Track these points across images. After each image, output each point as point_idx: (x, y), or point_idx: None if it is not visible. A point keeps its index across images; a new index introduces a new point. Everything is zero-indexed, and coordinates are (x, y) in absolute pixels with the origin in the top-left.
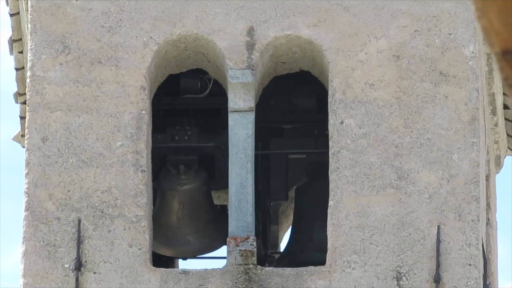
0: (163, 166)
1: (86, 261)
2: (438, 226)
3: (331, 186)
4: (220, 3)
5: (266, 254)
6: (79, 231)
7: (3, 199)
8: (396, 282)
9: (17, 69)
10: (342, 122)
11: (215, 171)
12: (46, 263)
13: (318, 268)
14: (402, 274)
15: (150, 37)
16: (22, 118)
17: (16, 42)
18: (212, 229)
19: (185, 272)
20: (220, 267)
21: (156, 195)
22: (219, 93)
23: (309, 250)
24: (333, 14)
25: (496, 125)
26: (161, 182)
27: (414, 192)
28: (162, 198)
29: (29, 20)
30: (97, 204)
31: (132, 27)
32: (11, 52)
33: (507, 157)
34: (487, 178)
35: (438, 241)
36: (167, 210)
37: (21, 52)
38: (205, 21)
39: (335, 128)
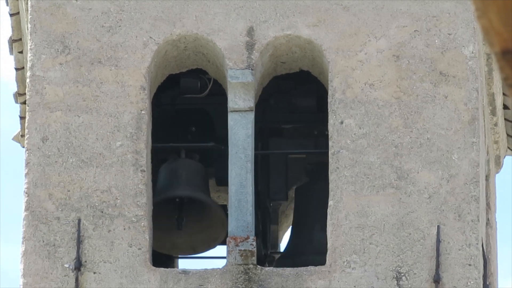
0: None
1: (86, 261)
2: (438, 226)
3: (331, 186)
4: (220, 3)
5: (266, 254)
6: (79, 231)
7: (3, 199)
8: (396, 282)
9: (17, 69)
10: (342, 122)
11: (215, 170)
12: (46, 263)
13: (318, 268)
14: (402, 274)
15: (150, 37)
16: (22, 118)
17: (16, 42)
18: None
19: (185, 272)
20: (220, 267)
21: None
22: (219, 93)
23: (309, 253)
24: (333, 14)
25: (496, 125)
26: (161, 167)
27: (414, 192)
28: (162, 171)
29: (29, 20)
30: (97, 204)
31: (132, 27)
32: (11, 52)
33: (507, 157)
34: (487, 178)
35: (438, 241)
36: (167, 173)
37: (21, 52)
38: (205, 21)
39: (335, 128)
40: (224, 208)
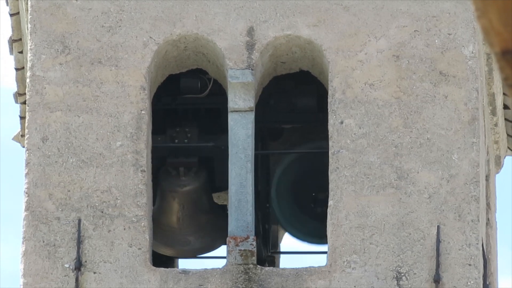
0: (162, 166)
1: (86, 261)
2: (438, 226)
3: (331, 186)
4: (220, 3)
5: (265, 254)
6: (79, 231)
7: (3, 199)
8: (396, 282)
9: (17, 69)
10: (342, 122)
11: (215, 172)
12: (46, 263)
13: (318, 268)
14: (402, 274)
15: (150, 37)
16: (22, 118)
17: (16, 42)
18: (212, 229)
19: (185, 272)
20: (220, 267)
21: (156, 195)
22: (219, 93)
23: None
24: (333, 14)
25: (496, 125)
26: (161, 183)
27: (414, 192)
28: (162, 198)
29: (29, 20)
30: (97, 204)
31: (132, 27)
32: (11, 52)
33: (507, 157)
34: (487, 178)
35: (438, 241)
36: (167, 211)
37: (21, 52)
38: (205, 21)
39: (335, 128)
40: (224, 208)
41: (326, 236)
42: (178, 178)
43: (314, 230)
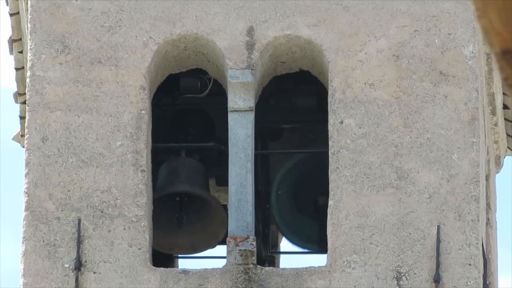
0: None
1: (86, 261)
2: (438, 226)
3: (331, 186)
4: (220, 3)
5: (265, 254)
6: (79, 231)
7: (3, 199)
8: (396, 282)
9: (17, 69)
10: (342, 122)
11: (215, 170)
12: (46, 263)
13: (318, 268)
14: (402, 274)
15: (150, 37)
16: (22, 118)
17: (16, 42)
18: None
19: (185, 271)
20: (220, 266)
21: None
22: (219, 93)
23: None
24: (333, 14)
25: (495, 125)
26: (161, 166)
27: (414, 192)
28: (162, 169)
29: (29, 20)
30: (97, 204)
31: (132, 27)
32: (11, 52)
33: (507, 157)
34: (487, 178)
35: (438, 241)
36: (167, 171)
37: (21, 52)
38: (205, 21)
39: (335, 128)
40: (224, 208)
41: (325, 243)
42: (178, 156)
43: (313, 236)
